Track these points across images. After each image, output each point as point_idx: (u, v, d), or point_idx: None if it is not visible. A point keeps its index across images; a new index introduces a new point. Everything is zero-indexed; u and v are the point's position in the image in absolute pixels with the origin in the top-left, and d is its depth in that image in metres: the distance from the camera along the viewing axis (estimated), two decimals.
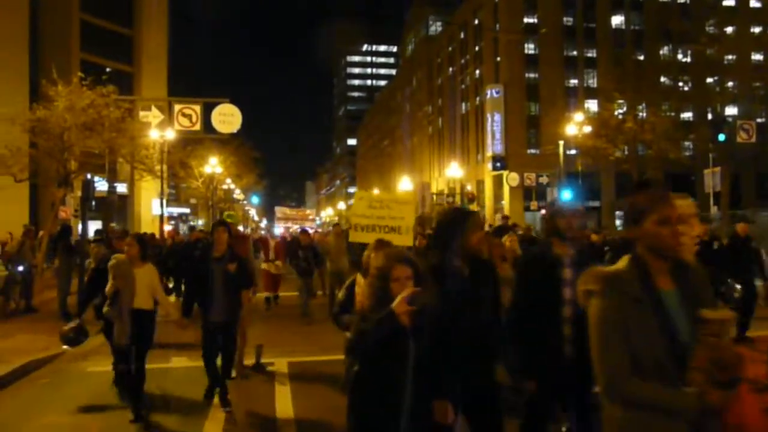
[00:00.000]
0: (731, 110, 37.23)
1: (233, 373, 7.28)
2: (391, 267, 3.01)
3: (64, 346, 7.08)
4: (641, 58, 47.37)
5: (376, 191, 13.44)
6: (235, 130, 22.08)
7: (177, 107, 21.10)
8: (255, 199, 72.72)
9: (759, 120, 35.37)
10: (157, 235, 26.19)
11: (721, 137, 27.12)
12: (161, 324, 6.75)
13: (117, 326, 6.08)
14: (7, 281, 13.52)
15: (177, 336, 7.40)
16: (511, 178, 50.74)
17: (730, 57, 33.03)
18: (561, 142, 31.49)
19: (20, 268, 13.83)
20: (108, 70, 27.54)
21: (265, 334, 10.24)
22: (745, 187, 46.40)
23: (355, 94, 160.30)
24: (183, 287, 12.69)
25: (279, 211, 31.38)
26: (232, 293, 6.38)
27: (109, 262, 6.28)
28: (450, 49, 70.63)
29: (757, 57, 36.19)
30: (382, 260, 3.09)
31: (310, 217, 37.75)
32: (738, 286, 9.79)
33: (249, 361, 8.10)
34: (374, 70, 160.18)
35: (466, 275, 3.76)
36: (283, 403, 6.45)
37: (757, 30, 32.59)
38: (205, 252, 6.64)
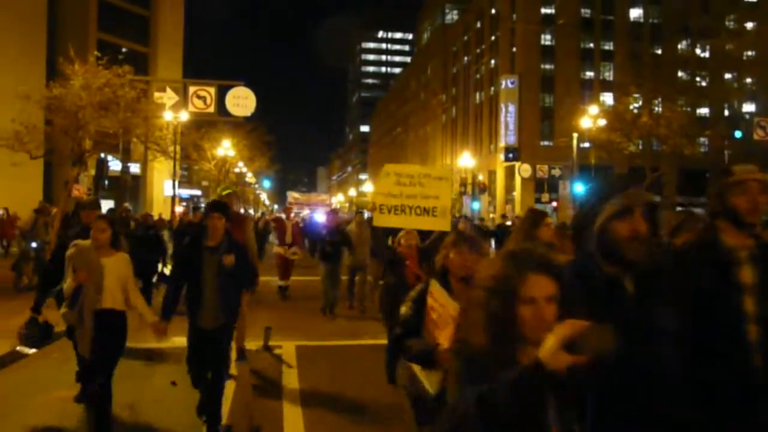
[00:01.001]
0: (749, 107, 36.81)
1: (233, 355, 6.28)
2: (520, 279, 1.78)
3: (25, 349, 6.14)
4: (659, 52, 46.85)
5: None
6: (249, 114, 22.15)
7: (192, 89, 21.18)
8: (266, 183, 72.90)
9: None
10: (165, 216, 26.35)
11: (738, 134, 26.87)
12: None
13: (78, 333, 4.86)
14: (21, 257, 13.71)
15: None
16: (523, 170, 50.58)
17: (749, 53, 32.61)
18: (575, 135, 31.29)
19: (33, 245, 14.00)
20: (124, 50, 27.73)
21: (274, 317, 10.36)
22: None
23: (369, 81, 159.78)
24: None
25: (290, 196, 30.26)
26: (228, 293, 5.00)
27: (68, 249, 4.95)
28: (466, 38, 70.13)
29: None
30: (502, 265, 1.85)
31: (326, 202, 35.34)
32: None
33: (255, 344, 8.18)
34: (389, 58, 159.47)
35: (630, 291, 2.21)
36: (290, 386, 6.52)
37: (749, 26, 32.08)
38: (196, 239, 5.14)
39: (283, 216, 15.94)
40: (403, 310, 3.54)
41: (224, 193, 6.99)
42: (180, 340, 5.72)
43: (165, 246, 13.31)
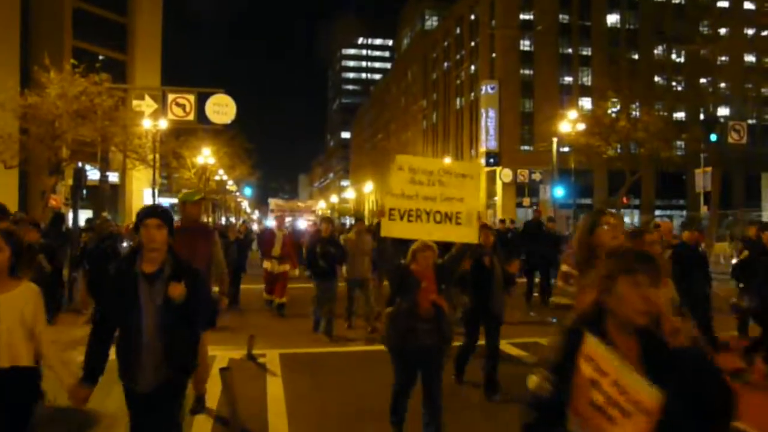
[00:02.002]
0: (723, 111, 37.44)
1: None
2: None
3: None
4: (636, 57, 47.55)
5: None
6: (229, 121, 22.03)
7: (171, 97, 21.01)
8: (247, 191, 72.54)
9: (750, 121, 35.61)
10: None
11: (713, 137, 27.31)
12: None
13: None
14: None
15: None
16: (504, 174, 50.91)
17: (723, 58, 33.19)
18: (555, 140, 31.57)
19: None
20: (101, 57, 27.41)
21: (257, 325, 10.26)
22: (735, 187, 46.72)
23: (350, 87, 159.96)
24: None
25: (273, 203, 28.42)
26: (175, 338, 3.44)
27: None
28: (445, 44, 70.52)
29: (749, 58, 36.35)
30: None
31: (312, 207, 32.68)
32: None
33: (239, 353, 8.09)
34: (369, 64, 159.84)
35: None
36: (275, 395, 6.45)
37: (750, 32, 32.73)
38: (127, 263, 3.55)
39: (273, 225, 14.32)
40: (536, 380, 2.23)
41: (196, 198, 5.75)
42: None
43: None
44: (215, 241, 5.82)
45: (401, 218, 4.88)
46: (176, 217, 4.93)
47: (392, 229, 4.96)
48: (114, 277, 3.56)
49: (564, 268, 3.36)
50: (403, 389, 4.95)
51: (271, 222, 27.44)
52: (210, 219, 47.27)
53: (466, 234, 4.98)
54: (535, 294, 12.95)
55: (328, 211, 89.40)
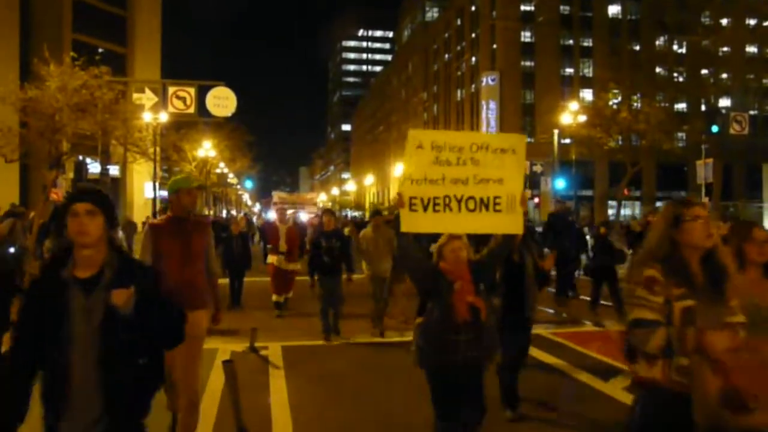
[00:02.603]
0: (724, 102, 37.33)
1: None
2: None
3: None
4: (637, 48, 47.36)
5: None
6: (229, 114, 22.02)
7: (171, 90, 20.98)
8: (248, 184, 72.54)
9: (752, 112, 35.52)
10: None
11: (714, 129, 27.23)
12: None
13: None
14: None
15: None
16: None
17: (725, 49, 33.05)
18: (556, 131, 31.49)
19: (11, 250, 13.74)
20: (100, 50, 27.35)
21: (259, 318, 10.29)
22: (736, 178, 46.67)
23: (350, 79, 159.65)
24: None
25: (276, 196, 28.28)
26: (118, 367, 2.48)
27: None
28: (446, 35, 70.31)
29: (751, 49, 36.21)
30: None
31: (314, 201, 32.33)
32: None
33: (242, 345, 8.11)
34: (370, 56, 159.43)
35: None
36: (278, 387, 6.47)
37: (752, 22, 32.59)
38: (52, 266, 2.63)
39: (274, 218, 13.22)
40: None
41: (194, 185, 4.76)
42: None
43: None
44: (210, 238, 4.85)
45: (425, 208, 3.93)
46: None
47: (415, 223, 3.95)
48: (32, 288, 2.57)
49: (649, 272, 2.64)
50: (449, 416, 4.07)
51: (272, 215, 27.18)
52: (211, 212, 47.30)
53: (508, 223, 4.05)
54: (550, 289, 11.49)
55: (329, 204, 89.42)
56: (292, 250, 10.99)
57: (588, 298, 10.58)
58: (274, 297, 10.94)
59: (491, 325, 4.04)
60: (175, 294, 4.02)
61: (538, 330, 8.56)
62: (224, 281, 10.96)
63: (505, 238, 4.17)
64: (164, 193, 47.07)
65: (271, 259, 11.07)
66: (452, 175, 3.98)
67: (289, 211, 17.71)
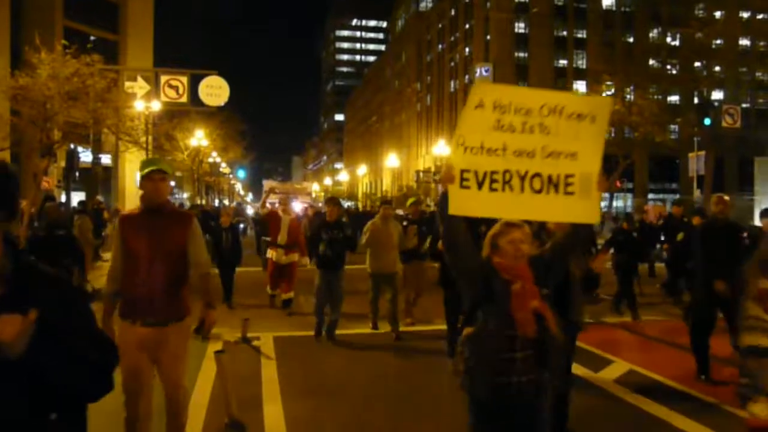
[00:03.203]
0: (717, 95, 37.48)
1: None
2: None
3: None
4: (630, 40, 47.41)
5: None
6: (222, 103, 21.95)
7: (163, 78, 20.87)
8: (241, 173, 72.35)
9: (744, 105, 35.69)
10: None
11: (707, 121, 27.35)
12: None
13: None
14: None
15: None
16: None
17: (718, 41, 33.13)
18: None
19: None
20: (92, 38, 27.11)
21: (251, 308, 10.30)
22: (728, 171, 46.92)
23: (344, 69, 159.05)
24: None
25: (267, 184, 27.34)
26: (14, 427, 1.58)
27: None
28: (440, 26, 70.12)
29: (744, 42, 36.31)
30: None
31: (308, 190, 31.24)
32: None
33: (233, 336, 8.14)
34: (363, 46, 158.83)
35: None
36: (270, 378, 6.50)
37: (745, 15, 32.68)
38: None
39: (276, 207, 11.66)
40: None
41: (153, 167, 3.83)
42: None
43: (81, 251, 9.14)
44: (194, 231, 3.94)
45: (480, 185, 3.13)
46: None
47: (466, 204, 3.13)
48: None
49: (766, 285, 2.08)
50: None
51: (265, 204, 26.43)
52: (204, 201, 47.17)
53: (581, 210, 3.22)
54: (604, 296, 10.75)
55: (322, 194, 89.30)
56: (293, 243, 10.23)
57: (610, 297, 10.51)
58: (268, 290, 10.55)
59: (559, 340, 3.07)
60: (145, 303, 3.72)
61: None
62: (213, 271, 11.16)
63: (575, 230, 3.30)
64: None
65: (270, 253, 10.41)
66: (516, 145, 3.18)
67: (275, 202, 15.57)
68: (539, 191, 3.20)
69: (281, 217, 10.41)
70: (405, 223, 9.61)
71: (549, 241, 3.73)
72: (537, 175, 3.20)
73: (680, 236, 9.81)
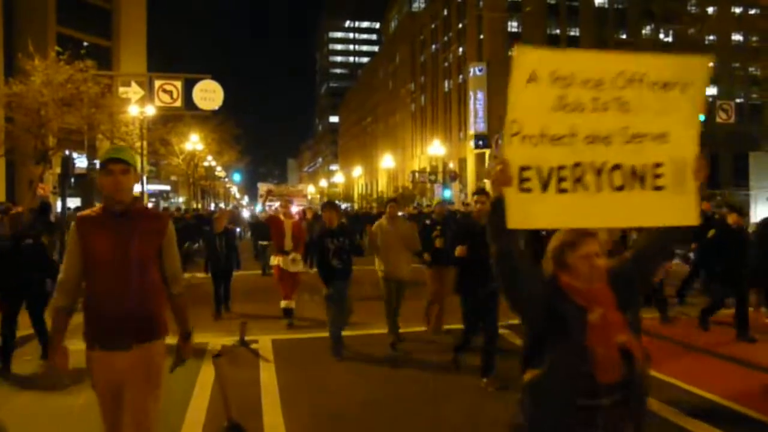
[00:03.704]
0: (711, 90, 37.58)
1: None
2: None
3: None
4: (624, 37, 47.52)
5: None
6: (216, 107, 21.96)
7: (157, 83, 20.86)
8: (236, 177, 72.26)
9: (738, 100, 35.80)
10: None
11: (701, 117, 27.43)
12: None
13: None
14: None
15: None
16: (493, 157, 51.01)
17: (711, 37, 33.24)
18: None
19: None
20: (85, 44, 27.04)
21: (249, 311, 10.29)
22: (723, 167, 47.05)
23: (338, 70, 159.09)
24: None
25: (261, 187, 26.71)
26: None
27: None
28: (433, 26, 70.17)
29: (737, 37, 36.43)
30: None
31: (303, 193, 30.35)
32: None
33: (231, 339, 8.14)
34: (357, 47, 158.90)
35: None
36: (268, 381, 6.50)
37: (738, 10, 32.76)
38: None
39: (276, 210, 11.31)
40: None
41: (115, 156, 3.16)
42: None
43: (52, 260, 7.94)
44: (169, 238, 3.33)
45: (544, 187, 2.41)
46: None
47: (528, 213, 2.40)
48: None
49: None
50: None
51: (258, 207, 25.31)
52: (199, 205, 47.09)
53: (675, 209, 2.50)
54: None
55: (318, 196, 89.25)
56: (298, 249, 9.58)
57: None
58: (283, 303, 9.43)
59: (646, 380, 2.36)
60: (112, 323, 3.09)
61: None
62: (202, 274, 11.12)
63: (665, 234, 2.52)
64: (153, 187, 46.69)
65: (275, 260, 9.61)
66: (587, 129, 2.45)
67: (276, 204, 14.53)
68: (620, 188, 2.47)
69: (283, 221, 9.71)
70: (428, 222, 9.11)
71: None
72: (617, 167, 2.47)
73: (711, 233, 8.81)
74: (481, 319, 6.33)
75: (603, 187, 2.46)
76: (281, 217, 9.88)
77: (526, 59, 2.41)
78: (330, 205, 8.46)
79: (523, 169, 2.39)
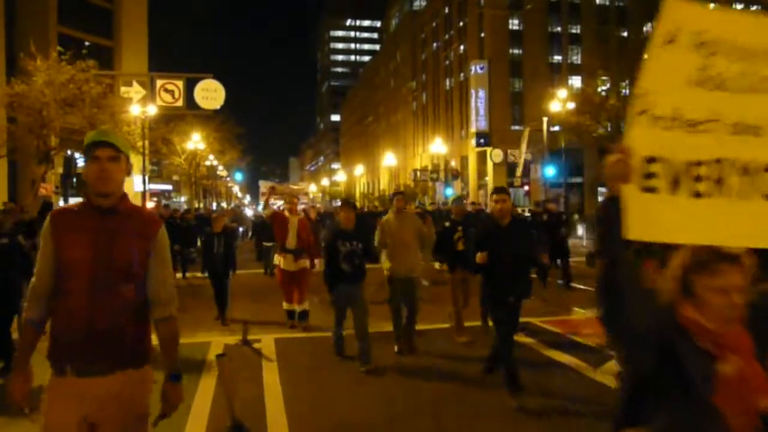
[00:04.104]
0: None
1: None
2: None
3: None
4: (625, 34, 47.40)
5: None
6: (218, 107, 22.00)
7: (159, 83, 20.90)
8: (238, 176, 72.31)
9: None
10: None
11: None
12: None
13: None
14: None
15: None
16: (494, 155, 50.99)
17: None
18: (545, 119, 31.58)
19: None
20: (87, 44, 27.11)
21: (251, 310, 10.33)
22: None
23: (339, 69, 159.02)
24: None
25: (263, 185, 26.49)
26: None
27: None
28: (434, 24, 70.09)
29: None
30: None
31: (304, 191, 30.21)
32: None
33: (234, 338, 8.18)
34: (358, 46, 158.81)
35: None
36: (271, 380, 6.52)
37: (739, 6, 32.74)
38: None
39: (281, 207, 10.85)
40: None
41: (107, 138, 2.63)
42: None
43: (27, 258, 7.27)
44: (160, 246, 2.71)
45: (674, 186, 1.90)
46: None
47: (652, 220, 1.87)
48: None
49: None
50: None
51: (258, 204, 25.12)
52: (201, 205, 47.16)
53: None
54: None
55: (319, 195, 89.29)
56: (303, 247, 8.94)
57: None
58: (285, 305, 9.09)
59: None
60: (84, 343, 2.49)
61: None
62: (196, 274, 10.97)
63: None
64: (154, 186, 46.74)
65: (278, 259, 9.15)
66: (734, 113, 1.92)
67: (280, 203, 14.13)
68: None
69: (288, 219, 9.09)
70: (447, 224, 8.39)
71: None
72: None
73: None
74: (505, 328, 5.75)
75: (751, 194, 1.90)
76: (286, 213, 9.34)
77: (672, 12, 1.88)
78: (348, 204, 7.67)
79: (648, 160, 1.86)
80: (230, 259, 9.70)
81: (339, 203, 7.96)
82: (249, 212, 28.77)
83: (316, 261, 8.95)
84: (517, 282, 5.75)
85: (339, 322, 7.24)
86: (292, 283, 8.94)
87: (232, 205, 60.04)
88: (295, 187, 32.46)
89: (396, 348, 7.52)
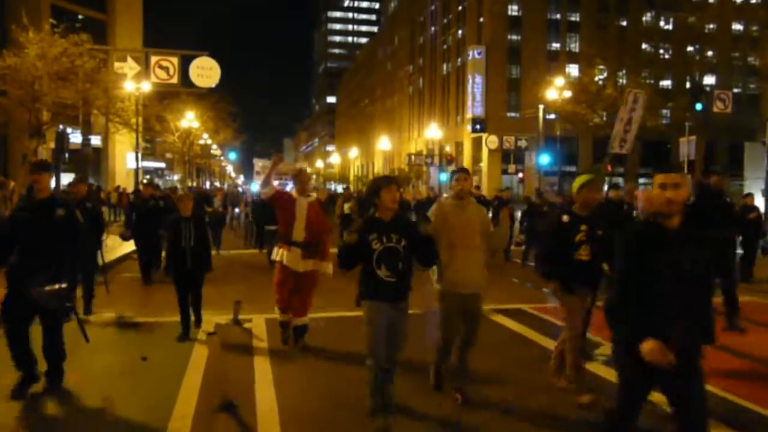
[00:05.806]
0: (709, 80, 37.54)
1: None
2: None
3: None
4: (624, 23, 47.31)
5: None
6: (213, 85, 21.80)
7: (154, 59, 20.67)
8: (232, 155, 71.98)
9: (735, 90, 35.81)
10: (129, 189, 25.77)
11: (698, 106, 27.46)
12: None
13: None
14: None
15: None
16: (490, 141, 50.98)
17: (711, 26, 33.14)
18: (541, 107, 31.54)
19: None
20: (80, 17, 26.74)
21: (242, 289, 10.30)
22: (719, 156, 47.12)
23: (336, 51, 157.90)
24: None
25: (257, 164, 25.65)
26: None
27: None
28: (433, 7, 69.62)
29: (737, 27, 36.29)
30: None
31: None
32: None
33: (225, 318, 8.16)
34: (355, 27, 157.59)
35: None
36: (262, 360, 6.52)
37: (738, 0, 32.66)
38: None
39: (289, 187, 8.84)
40: None
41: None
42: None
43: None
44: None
45: None
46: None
47: None
48: None
49: None
50: None
51: (255, 187, 24.32)
52: (194, 183, 46.94)
53: None
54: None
55: (313, 176, 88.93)
56: (315, 242, 6.64)
57: None
58: (278, 314, 6.91)
59: None
60: None
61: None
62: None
63: None
64: (148, 164, 46.30)
65: (278, 253, 6.74)
66: None
67: (275, 183, 12.62)
68: None
69: (296, 200, 6.71)
70: (566, 219, 5.24)
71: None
72: None
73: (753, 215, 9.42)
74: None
75: None
76: (294, 194, 6.90)
77: None
78: (388, 180, 4.71)
79: None
80: (205, 255, 7.47)
81: (375, 181, 4.76)
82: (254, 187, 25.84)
83: (328, 265, 6.78)
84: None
85: (379, 360, 4.55)
86: (292, 287, 6.73)
87: (226, 185, 59.75)
88: (292, 166, 32.20)
89: (432, 380, 5.49)
